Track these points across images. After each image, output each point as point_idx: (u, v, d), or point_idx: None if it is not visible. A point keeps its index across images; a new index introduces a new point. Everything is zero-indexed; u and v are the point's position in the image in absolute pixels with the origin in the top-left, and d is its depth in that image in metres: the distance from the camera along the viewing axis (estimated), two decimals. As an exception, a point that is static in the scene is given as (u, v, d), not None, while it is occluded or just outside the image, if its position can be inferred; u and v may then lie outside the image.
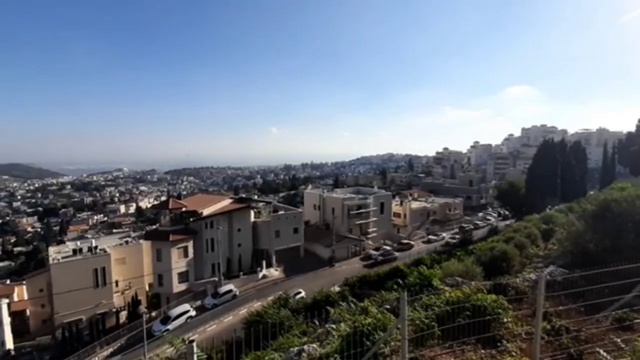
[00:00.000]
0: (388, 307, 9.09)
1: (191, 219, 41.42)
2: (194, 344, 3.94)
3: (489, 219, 68.21)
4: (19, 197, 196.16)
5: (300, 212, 53.16)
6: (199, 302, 37.16)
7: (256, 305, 33.25)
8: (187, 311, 33.63)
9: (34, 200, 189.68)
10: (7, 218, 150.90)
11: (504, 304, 6.59)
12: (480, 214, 75.93)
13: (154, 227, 55.13)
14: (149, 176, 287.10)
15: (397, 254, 47.82)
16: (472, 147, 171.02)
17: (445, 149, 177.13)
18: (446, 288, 8.49)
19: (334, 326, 8.69)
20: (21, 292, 45.93)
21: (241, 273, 43.03)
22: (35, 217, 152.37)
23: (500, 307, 6.44)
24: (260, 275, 43.76)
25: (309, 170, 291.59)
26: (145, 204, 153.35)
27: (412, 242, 56.04)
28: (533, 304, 7.24)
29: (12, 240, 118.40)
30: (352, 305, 11.84)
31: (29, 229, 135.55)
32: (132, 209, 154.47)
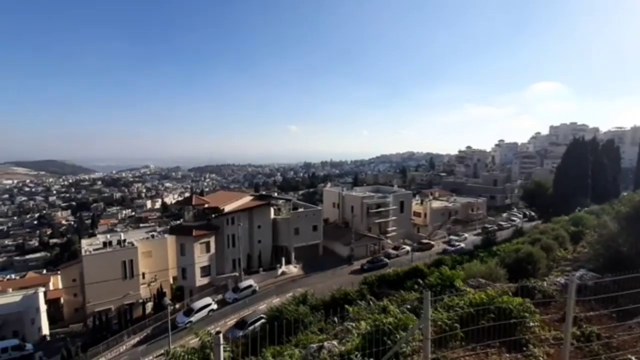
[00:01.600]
0: (408, 306, 9.04)
1: (213, 215, 42.47)
2: (221, 335, 4.08)
3: (513, 220, 65.91)
4: (54, 192, 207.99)
5: (319, 210, 53.37)
6: (220, 296, 38.09)
7: (275, 301, 33.80)
8: (209, 304, 34.58)
9: (68, 195, 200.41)
10: (44, 211, 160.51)
11: (530, 307, 6.41)
12: (505, 215, 73.47)
13: (178, 222, 56.88)
14: (173, 173, 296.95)
15: (387, 260, 45.74)
16: (496, 145, 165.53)
17: (469, 147, 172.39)
18: (469, 289, 8.34)
19: (353, 324, 8.73)
20: (56, 282, 48.81)
21: (261, 269, 43.75)
22: (69, 211, 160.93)
23: (526, 310, 6.28)
24: (280, 271, 44.32)
25: (329, 169, 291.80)
26: (170, 199, 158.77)
27: (433, 242, 55.09)
28: (561, 308, 7.01)
29: (48, 233, 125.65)
30: (371, 304, 11.83)
31: (64, 222, 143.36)
32: (157, 205, 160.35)
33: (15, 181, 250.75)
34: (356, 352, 5.90)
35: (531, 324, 6.17)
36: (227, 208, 43.22)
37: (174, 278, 42.43)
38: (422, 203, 67.97)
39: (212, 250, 41.01)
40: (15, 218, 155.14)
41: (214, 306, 34.77)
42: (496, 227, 59.37)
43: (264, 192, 73.93)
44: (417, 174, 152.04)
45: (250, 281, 39.49)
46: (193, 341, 19.00)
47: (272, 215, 48.08)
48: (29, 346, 32.43)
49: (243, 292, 37.55)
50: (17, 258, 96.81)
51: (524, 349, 5.74)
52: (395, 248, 51.79)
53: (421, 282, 16.44)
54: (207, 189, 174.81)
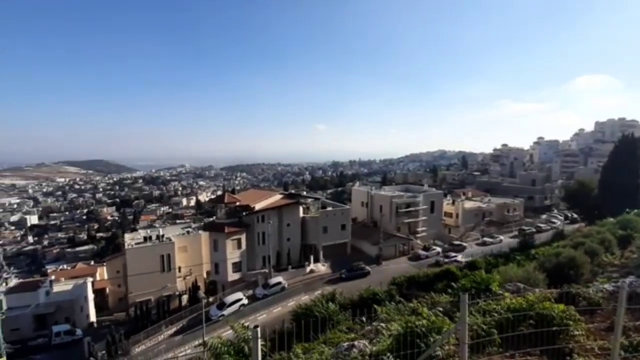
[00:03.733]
0: (440, 309, 8.86)
1: (244, 213, 43.70)
2: (259, 329, 4.20)
3: (553, 222, 61.98)
4: (100, 190, 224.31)
5: (347, 209, 53.25)
6: (250, 292, 39.17)
7: (304, 298, 34.18)
8: (240, 299, 35.70)
9: (112, 192, 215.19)
10: (92, 207, 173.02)
11: (574, 315, 6.09)
12: (544, 216, 69.25)
13: (211, 219, 59.07)
14: (207, 172, 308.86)
15: (368, 269, 42.48)
16: (535, 143, 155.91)
17: (504, 145, 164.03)
18: (506, 294, 8.05)
19: (383, 325, 8.70)
20: (102, 273, 52.42)
21: (290, 266, 44.44)
22: (114, 207, 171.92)
23: (569, 318, 5.97)
24: (308, 269, 44.77)
25: (357, 167, 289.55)
26: (203, 197, 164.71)
27: (465, 244, 53.17)
28: (608, 317, 6.60)
29: (95, 227, 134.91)
30: (401, 305, 11.70)
31: (109, 217, 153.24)
32: (192, 202, 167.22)
33: (67, 179, 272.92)
34: (388, 353, 5.90)
35: (575, 332, 5.87)
36: (258, 206, 44.26)
37: (208, 272, 44.06)
38: (453, 203, 65.78)
39: (243, 247, 42.21)
40: (67, 213, 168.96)
41: (245, 301, 35.82)
42: (534, 230, 56.32)
43: (293, 191, 74.78)
44: (448, 173, 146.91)
45: (279, 278, 40.23)
46: (225, 333, 19.75)
47: (301, 214, 48.62)
48: (78, 331, 35.12)
49: (272, 288, 38.35)
50: (69, 250, 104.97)
51: (567, 358, 5.47)
52: (425, 249, 50.58)
53: (454, 285, 15.96)
54: (238, 188, 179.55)
